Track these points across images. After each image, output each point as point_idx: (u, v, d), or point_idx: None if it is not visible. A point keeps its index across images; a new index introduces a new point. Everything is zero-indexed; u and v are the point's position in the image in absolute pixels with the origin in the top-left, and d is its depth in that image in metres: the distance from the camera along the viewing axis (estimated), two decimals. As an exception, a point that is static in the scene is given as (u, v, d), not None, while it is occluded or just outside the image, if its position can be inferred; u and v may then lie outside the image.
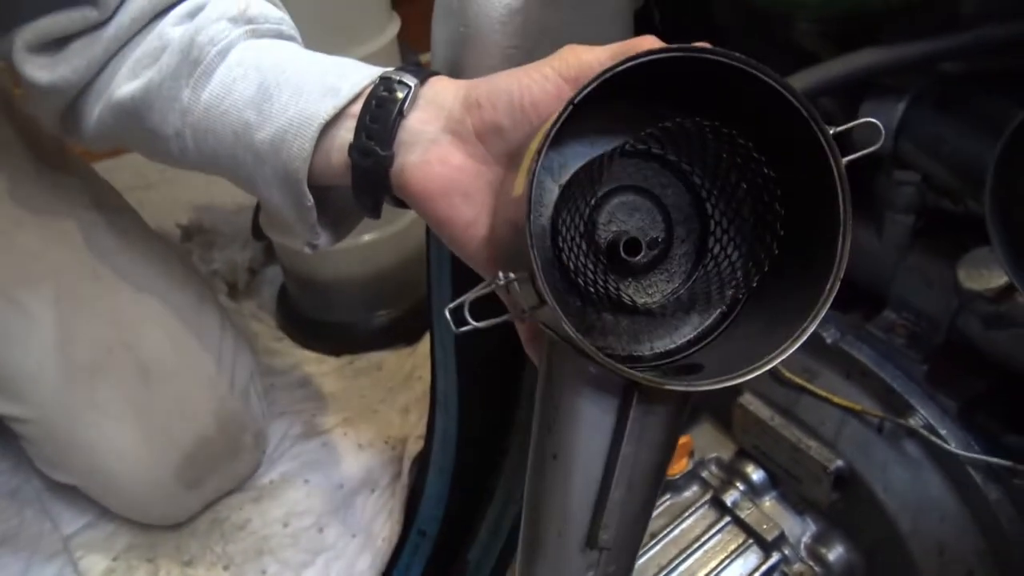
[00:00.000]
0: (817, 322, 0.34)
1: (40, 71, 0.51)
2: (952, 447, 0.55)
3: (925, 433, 0.56)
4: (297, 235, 0.49)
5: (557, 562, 0.40)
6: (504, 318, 0.37)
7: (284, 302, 0.92)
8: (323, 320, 0.88)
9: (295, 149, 0.43)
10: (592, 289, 0.36)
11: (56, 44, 0.50)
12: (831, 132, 0.35)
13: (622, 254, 0.36)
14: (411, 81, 0.42)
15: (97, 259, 0.67)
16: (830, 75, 0.51)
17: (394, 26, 0.77)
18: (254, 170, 0.46)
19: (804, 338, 0.34)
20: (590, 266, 0.37)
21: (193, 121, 0.47)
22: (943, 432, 0.56)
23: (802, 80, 0.51)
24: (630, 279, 0.39)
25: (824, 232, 0.34)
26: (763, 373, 0.34)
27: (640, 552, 0.66)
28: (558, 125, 0.34)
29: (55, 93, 0.52)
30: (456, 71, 0.50)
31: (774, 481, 0.67)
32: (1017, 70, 0.49)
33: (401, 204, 0.44)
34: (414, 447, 0.75)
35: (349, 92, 0.42)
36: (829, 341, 0.61)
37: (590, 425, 0.38)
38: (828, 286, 0.34)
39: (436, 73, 0.44)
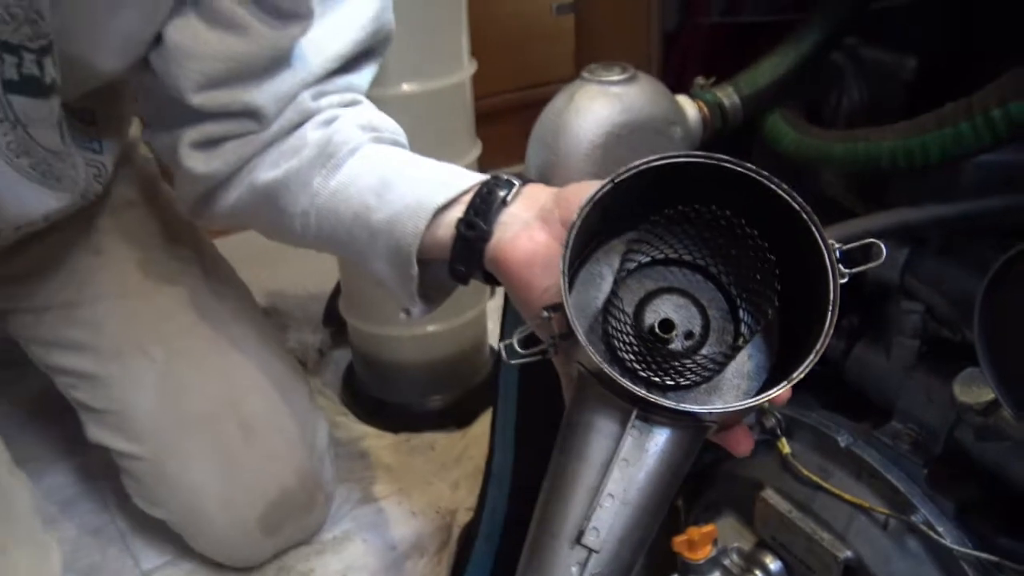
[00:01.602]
0: (802, 374, 0.41)
1: (197, 163, 0.61)
2: (948, 543, 0.62)
3: (925, 529, 0.62)
4: (398, 301, 0.58)
5: (549, 552, 0.44)
6: (542, 347, 0.46)
7: (349, 381, 1.01)
8: (384, 399, 0.97)
9: (409, 227, 0.53)
10: (626, 355, 0.44)
11: (214, 143, 0.61)
12: (835, 247, 0.44)
13: (657, 331, 0.44)
14: (516, 181, 0.52)
15: (213, 326, 0.77)
16: (865, 229, 0.61)
17: (476, 150, 0.89)
18: (367, 245, 0.56)
19: (789, 384, 0.42)
20: (629, 340, 0.44)
21: (320, 203, 0.58)
22: (941, 529, 0.62)
23: (837, 231, 0.61)
24: (674, 362, 0.44)
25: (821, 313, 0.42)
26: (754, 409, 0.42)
27: (664, 626, 0.72)
28: (588, 206, 0.42)
29: (205, 180, 0.62)
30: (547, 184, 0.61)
31: (789, 571, 0.73)
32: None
33: (487, 278, 0.54)
34: (463, 518, 0.82)
35: (462, 186, 0.53)
36: (843, 445, 0.68)
37: (596, 435, 0.44)
38: (815, 349, 0.41)
39: (532, 181, 0.54)
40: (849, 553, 0.67)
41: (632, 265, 0.46)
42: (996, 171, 0.57)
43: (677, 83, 0.70)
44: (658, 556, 0.78)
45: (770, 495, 0.73)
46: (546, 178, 0.61)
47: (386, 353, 0.94)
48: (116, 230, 0.76)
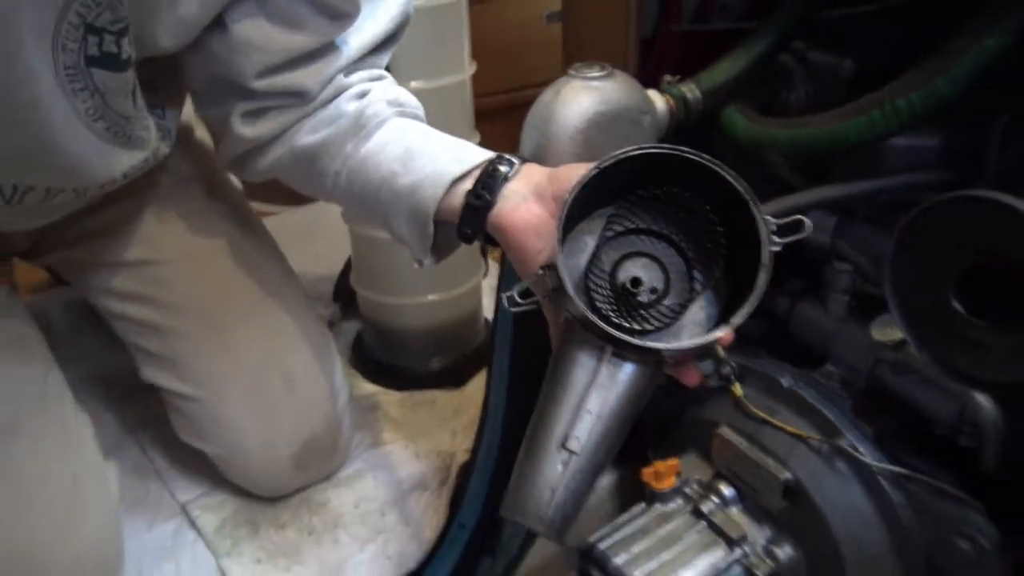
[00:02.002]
0: (739, 321, 0.53)
1: (245, 130, 0.71)
2: (868, 460, 0.73)
3: (850, 451, 0.74)
4: (412, 253, 0.69)
5: (541, 453, 0.54)
6: (535, 298, 0.57)
7: (358, 347, 1.12)
8: (390, 362, 1.08)
9: (429, 194, 0.64)
10: (604, 306, 0.55)
11: (263, 112, 0.70)
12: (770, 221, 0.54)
13: (628, 286, 0.54)
14: (516, 161, 0.64)
15: (262, 288, 0.87)
16: (794, 204, 0.73)
17: (475, 140, 1.00)
18: (391, 205, 0.67)
19: (730, 328, 0.53)
20: (606, 294, 0.55)
21: (352, 165, 0.68)
22: (863, 450, 0.74)
23: (773, 205, 0.73)
24: (636, 311, 0.55)
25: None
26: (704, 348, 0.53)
27: (634, 543, 0.83)
28: (578, 187, 0.53)
29: (250, 142, 0.71)
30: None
31: (741, 496, 0.84)
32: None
33: (488, 239, 0.65)
34: (461, 459, 0.93)
35: (473, 161, 0.64)
36: (786, 386, 0.80)
37: (578, 370, 0.55)
38: (748, 300, 0.53)
39: (529, 161, 0.66)
40: (789, 475, 0.77)
41: (610, 234, 0.56)
42: (902, 153, 0.70)
43: (650, 81, 0.82)
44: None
45: (725, 431, 0.85)
46: (538, 158, 0.72)
47: (393, 320, 1.05)
48: (178, 199, 0.86)
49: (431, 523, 0.90)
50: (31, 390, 0.76)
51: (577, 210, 0.56)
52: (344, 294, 1.19)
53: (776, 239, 0.54)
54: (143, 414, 0.99)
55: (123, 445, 0.94)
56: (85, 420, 0.80)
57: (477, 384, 0.90)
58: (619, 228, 0.56)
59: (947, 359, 0.65)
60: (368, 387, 1.07)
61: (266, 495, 0.90)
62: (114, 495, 0.81)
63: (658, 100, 0.76)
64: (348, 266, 1.17)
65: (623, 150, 0.54)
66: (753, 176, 0.75)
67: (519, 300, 0.59)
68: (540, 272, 0.55)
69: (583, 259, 0.57)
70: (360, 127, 0.68)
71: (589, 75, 0.71)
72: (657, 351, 0.53)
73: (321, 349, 0.91)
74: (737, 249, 0.54)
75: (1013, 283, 0.59)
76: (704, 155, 0.53)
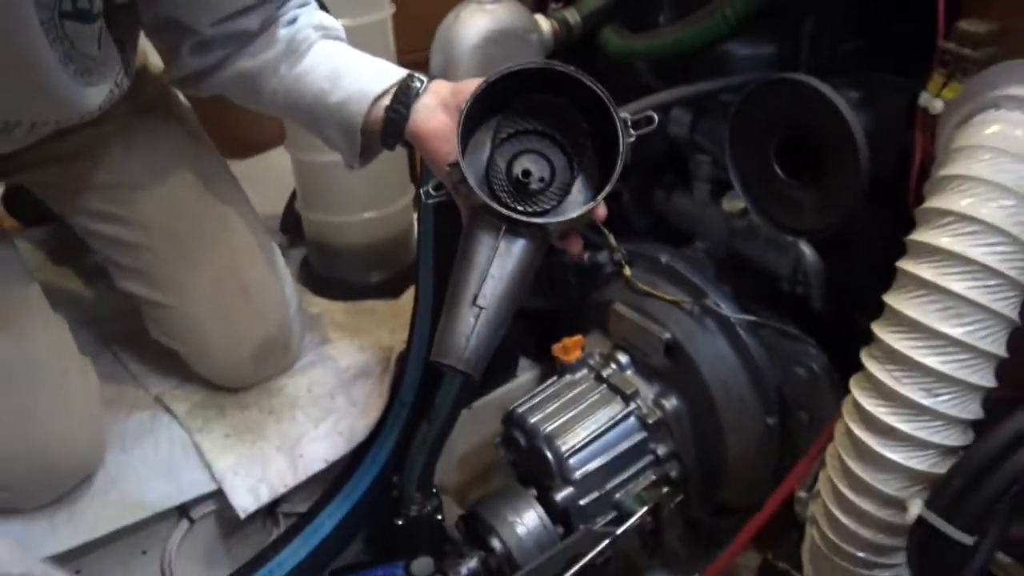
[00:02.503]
0: (602, 196, 0.63)
1: (194, 59, 0.81)
2: (726, 312, 0.88)
3: (712, 307, 0.88)
4: (344, 158, 0.82)
5: (457, 309, 0.65)
6: (445, 190, 0.70)
7: (305, 267, 1.24)
8: (334, 277, 1.21)
9: (355, 109, 0.77)
10: (502, 194, 0.65)
11: (208, 44, 0.80)
12: (625, 116, 0.63)
13: (520, 177, 0.65)
14: (425, 78, 0.77)
15: (222, 207, 0.98)
16: (652, 102, 0.87)
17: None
18: (323, 119, 0.79)
19: (596, 203, 0.64)
20: (503, 184, 0.65)
21: (287, 83, 0.79)
22: (722, 305, 0.89)
23: (634, 105, 0.86)
24: (529, 197, 0.65)
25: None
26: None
27: (547, 405, 0.98)
28: (470, 101, 0.62)
29: (198, 68, 0.81)
30: (445, 78, 0.85)
31: (634, 361, 0.98)
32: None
33: (406, 144, 0.78)
34: (399, 349, 1.07)
35: (391, 80, 0.76)
36: (663, 262, 0.94)
37: (482, 243, 0.65)
38: (608, 183, 0.63)
39: (435, 78, 0.79)
40: (668, 335, 0.92)
41: (504, 135, 0.66)
42: (741, 59, 0.84)
43: (543, 10, 0.96)
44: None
45: (618, 307, 0.98)
46: (445, 72, 0.86)
47: (335, 238, 1.17)
48: (142, 125, 0.96)
49: (376, 404, 1.03)
50: (15, 295, 0.87)
51: (475, 117, 0.66)
52: (290, 226, 1.31)
53: (632, 132, 0.65)
54: (113, 330, 1.11)
55: (98, 355, 1.05)
56: (63, 322, 0.91)
57: (412, 295, 1.03)
58: (511, 130, 0.67)
59: (774, 216, 0.80)
60: (315, 299, 1.19)
61: (230, 387, 1.02)
62: (95, 385, 0.92)
63: (544, 22, 0.89)
64: (292, 201, 1.29)
65: (506, 66, 0.64)
66: (627, 84, 0.91)
67: (432, 193, 0.72)
68: (447, 169, 0.67)
69: (483, 157, 0.66)
70: (292, 51, 0.80)
71: (483, 1, 0.85)
72: (540, 225, 0.65)
73: (272, 262, 1.03)
74: (605, 142, 0.65)
75: (815, 149, 0.75)
76: (572, 68, 0.64)
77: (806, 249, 0.81)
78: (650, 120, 0.67)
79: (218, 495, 0.94)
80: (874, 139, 0.74)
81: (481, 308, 0.66)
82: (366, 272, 1.20)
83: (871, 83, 0.76)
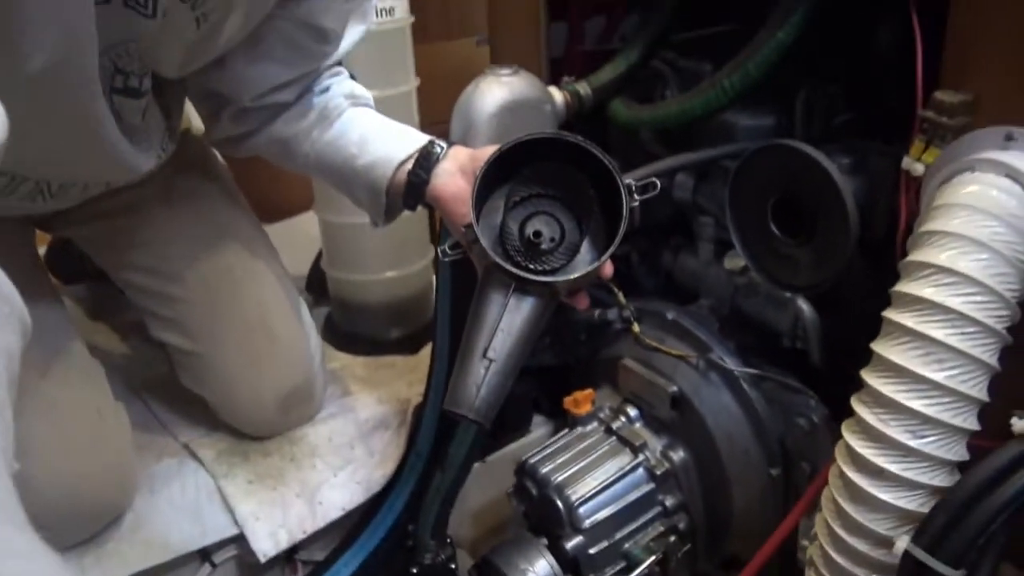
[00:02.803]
0: (608, 256, 0.67)
1: (233, 125, 0.87)
2: (730, 366, 0.92)
3: (717, 361, 0.92)
4: (371, 216, 0.87)
5: (469, 361, 0.68)
6: (462, 249, 0.74)
7: (329, 324, 1.29)
8: (356, 333, 1.25)
9: (380, 173, 0.83)
10: (515, 255, 0.69)
11: (248, 113, 0.87)
12: (629, 182, 0.68)
13: (532, 238, 0.68)
14: (445, 144, 0.82)
15: (253, 261, 1.03)
16: (656, 169, 0.92)
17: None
18: (351, 180, 0.85)
19: (601, 262, 0.68)
20: (516, 245, 0.69)
21: (318, 148, 0.85)
22: (727, 360, 0.92)
23: (640, 171, 0.91)
24: (541, 256, 0.69)
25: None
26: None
27: (558, 456, 1.00)
28: (484, 167, 0.67)
29: (235, 134, 0.88)
30: (464, 144, 0.91)
31: (643, 414, 1.01)
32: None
33: (428, 206, 0.84)
34: (416, 402, 1.10)
35: (414, 146, 0.82)
36: (670, 318, 0.98)
37: (493, 300, 0.68)
38: (613, 244, 0.67)
39: (456, 144, 0.84)
40: (675, 388, 0.95)
41: (517, 198, 0.70)
42: (743, 128, 0.90)
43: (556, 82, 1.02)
44: None
45: (628, 362, 1.02)
46: (464, 139, 0.92)
47: (359, 295, 1.22)
48: (182, 186, 1.01)
49: (392, 455, 1.06)
50: (61, 341, 0.93)
51: (490, 182, 0.71)
52: (315, 285, 1.37)
53: (636, 197, 0.69)
54: (144, 378, 1.16)
55: (130, 403, 1.09)
56: (100, 368, 0.96)
57: (430, 350, 1.07)
58: (524, 194, 0.71)
59: (772, 273, 0.84)
60: (338, 354, 1.23)
61: (255, 435, 1.06)
62: (128, 426, 0.96)
63: (557, 94, 0.96)
64: (317, 262, 1.35)
65: (519, 136, 0.69)
66: (634, 151, 0.96)
67: (449, 252, 0.77)
68: (463, 230, 0.71)
69: (498, 219, 0.70)
70: (324, 118, 0.87)
71: (501, 73, 0.91)
72: (548, 283, 0.69)
73: (299, 315, 1.08)
74: (612, 206, 0.69)
75: (809, 210, 0.79)
76: (580, 138, 0.68)
77: (804, 305, 0.84)
78: (653, 186, 0.71)
79: (240, 540, 0.97)
80: (865, 201, 0.79)
81: (491, 360, 0.69)
82: (387, 328, 1.24)
83: (861, 150, 0.81)
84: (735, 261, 0.89)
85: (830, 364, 0.86)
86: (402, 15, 1.11)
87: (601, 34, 1.19)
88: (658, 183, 0.71)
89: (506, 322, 0.70)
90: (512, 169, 0.71)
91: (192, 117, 1.04)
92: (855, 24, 0.84)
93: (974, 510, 0.55)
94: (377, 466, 1.05)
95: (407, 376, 1.17)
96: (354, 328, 1.25)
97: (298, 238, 1.50)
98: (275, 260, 1.08)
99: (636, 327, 0.99)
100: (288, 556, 1.00)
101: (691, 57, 1.00)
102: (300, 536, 0.98)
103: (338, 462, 1.04)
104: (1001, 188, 0.62)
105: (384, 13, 1.09)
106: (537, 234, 0.69)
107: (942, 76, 0.67)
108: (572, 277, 0.69)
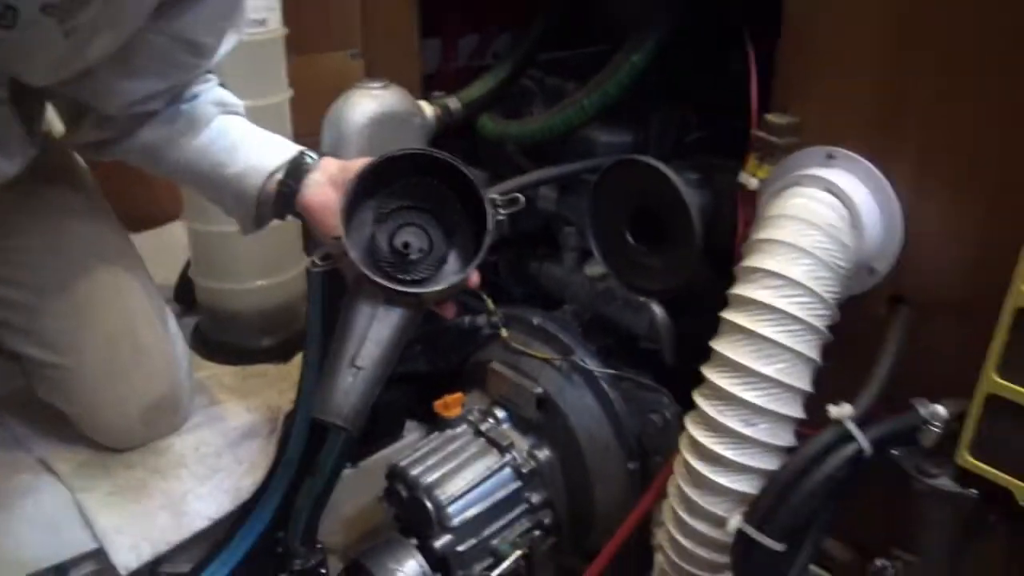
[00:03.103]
0: (472, 267, 0.70)
1: (97, 131, 0.86)
2: (591, 367, 0.96)
3: (579, 363, 0.97)
4: (241, 225, 0.87)
5: (337, 370, 0.70)
6: (332, 261, 0.75)
7: (197, 333, 1.26)
8: (226, 342, 1.23)
9: (250, 182, 0.83)
10: (385, 266, 0.71)
11: (112, 119, 0.85)
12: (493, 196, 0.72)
13: (401, 249, 0.71)
14: (315, 155, 0.83)
15: (118, 270, 0.99)
16: (521, 183, 0.96)
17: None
18: (220, 188, 0.85)
19: (466, 273, 0.71)
20: (386, 256, 0.71)
21: (187, 155, 0.84)
22: (588, 362, 0.97)
23: (505, 185, 0.95)
24: (410, 266, 0.72)
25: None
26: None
27: (428, 458, 1.02)
28: (354, 182, 0.69)
29: (99, 139, 0.86)
30: (335, 155, 0.92)
31: (511, 416, 1.05)
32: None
33: (297, 215, 0.84)
34: (287, 410, 1.10)
35: (284, 156, 0.83)
36: (535, 323, 1.03)
37: (362, 310, 0.71)
38: (477, 255, 0.71)
39: (326, 155, 0.85)
40: (540, 389, 0.98)
41: (387, 210, 0.73)
42: (603, 144, 0.95)
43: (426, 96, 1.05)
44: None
45: (496, 366, 1.05)
46: (334, 150, 0.92)
47: (229, 305, 1.20)
48: (44, 194, 0.97)
49: (262, 463, 1.05)
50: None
51: (360, 194, 0.72)
52: (184, 295, 1.33)
53: (501, 210, 0.73)
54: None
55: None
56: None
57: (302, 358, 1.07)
58: (394, 206, 0.73)
59: (628, 279, 0.90)
60: (207, 364, 1.21)
61: (117, 447, 1.02)
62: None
63: (427, 108, 0.98)
64: (185, 272, 1.32)
65: (390, 151, 0.71)
66: (503, 164, 1.00)
67: (319, 263, 0.78)
68: (333, 240, 0.72)
69: (367, 231, 0.72)
70: (192, 125, 0.86)
71: (371, 86, 0.93)
72: (415, 294, 0.72)
73: (165, 324, 1.05)
74: (478, 218, 0.72)
75: (660, 220, 0.85)
76: (447, 154, 0.71)
77: (657, 309, 0.90)
78: (517, 201, 0.75)
79: (99, 554, 0.93)
80: (711, 212, 0.85)
81: (359, 369, 0.72)
82: (258, 337, 1.23)
83: (708, 166, 0.88)
84: (595, 268, 0.93)
85: (682, 363, 0.92)
86: (275, 26, 1.11)
87: (474, 51, 1.23)
88: (522, 198, 0.75)
89: (374, 331, 0.72)
90: (382, 182, 0.73)
91: (53, 121, 1.00)
92: (707, 51, 0.91)
93: (796, 489, 0.61)
94: (246, 474, 1.04)
95: (278, 384, 1.16)
96: (224, 337, 1.23)
97: (167, 248, 1.46)
98: (141, 269, 1.05)
99: (504, 332, 1.03)
100: (151, 569, 0.98)
101: (558, 76, 1.05)
102: (164, 548, 0.95)
103: (205, 472, 1.02)
104: (822, 201, 0.68)
105: (256, 24, 1.08)
106: (406, 245, 0.72)
107: (772, 100, 0.74)
108: (438, 288, 0.72)
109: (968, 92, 0.63)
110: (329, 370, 0.73)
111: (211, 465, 1.03)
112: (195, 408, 1.10)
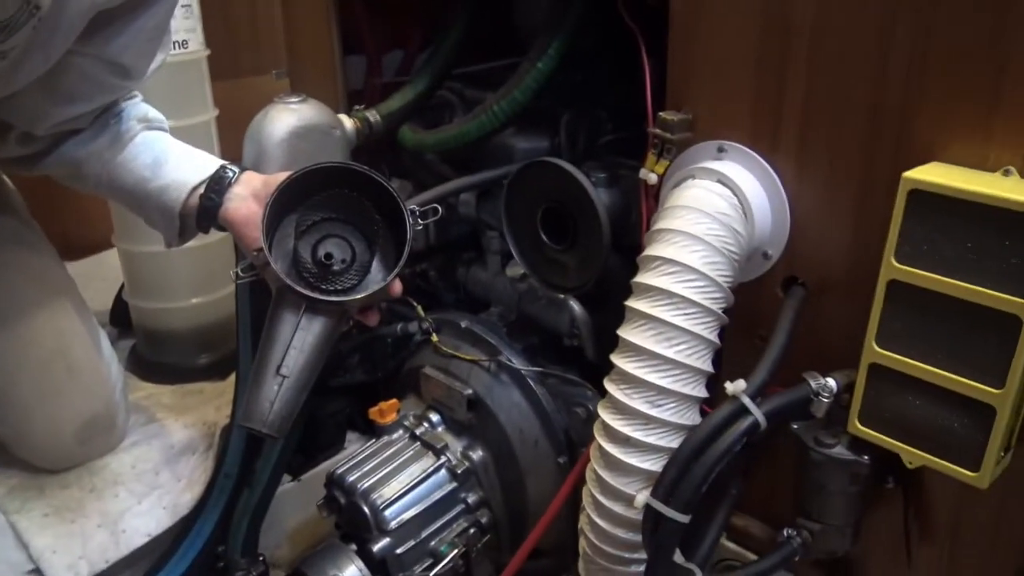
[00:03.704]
0: (394, 276, 0.71)
1: (20, 147, 0.85)
2: (517, 365, 0.99)
3: (506, 362, 0.99)
4: (165, 238, 0.88)
5: (262, 378, 0.71)
6: (255, 272, 0.76)
7: (133, 354, 1.26)
8: (162, 362, 1.23)
9: (173, 197, 0.83)
10: (308, 277, 0.72)
11: (36, 137, 0.84)
12: (412, 207, 0.74)
13: (324, 260, 0.72)
14: (237, 169, 0.84)
15: (51, 291, 0.99)
16: (439, 192, 0.99)
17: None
18: (143, 202, 0.85)
19: (387, 282, 0.72)
20: (309, 267, 0.72)
21: (109, 169, 0.84)
22: (514, 361, 0.99)
23: (424, 195, 0.97)
24: (331, 276, 0.73)
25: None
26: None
27: (365, 464, 1.03)
28: (274, 195, 0.70)
29: (23, 154, 0.85)
30: (257, 169, 0.94)
31: (444, 419, 1.07)
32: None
33: (221, 228, 0.85)
34: (224, 424, 1.10)
35: (207, 171, 0.84)
36: (463, 326, 1.05)
37: (285, 320, 0.72)
38: (398, 265, 0.72)
39: (248, 169, 0.87)
40: (470, 391, 1.01)
41: (308, 222, 0.73)
42: (509, 149, 0.98)
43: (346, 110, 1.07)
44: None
45: (428, 370, 1.06)
46: (256, 164, 0.94)
47: (164, 324, 1.20)
48: None
49: (200, 478, 1.05)
50: None
51: (283, 207, 0.73)
52: (119, 318, 1.33)
53: (419, 220, 0.74)
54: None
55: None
56: None
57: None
58: (316, 218, 0.74)
59: (546, 277, 0.92)
60: (143, 384, 1.21)
61: (52, 468, 1.02)
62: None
63: (346, 120, 1.00)
64: (119, 295, 1.32)
65: (310, 165, 0.72)
66: (426, 173, 1.02)
67: (242, 274, 0.79)
68: (255, 253, 0.73)
69: (291, 243, 0.73)
70: (116, 140, 0.85)
71: (289, 101, 0.94)
72: (337, 302, 0.72)
73: (98, 344, 1.05)
74: (400, 227, 0.73)
75: (571, 219, 0.88)
76: (366, 167, 0.73)
77: (576, 306, 0.93)
78: (435, 211, 0.77)
79: (35, 575, 0.93)
80: (620, 209, 0.88)
81: (284, 377, 0.73)
82: (194, 356, 1.23)
83: (617, 165, 0.91)
84: (516, 269, 0.96)
85: (602, 357, 0.94)
86: (196, 47, 1.12)
87: (399, 67, 1.25)
88: (439, 208, 0.77)
89: (299, 340, 0.73)
90: (304, 195, 0.75)
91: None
92: (618, 57, 0.95)
93: (697, 463, 0.64)
94: (184, 490, 1.04)
95: (215, 401, 1.17)
96: (160, 357, 1.23)
97: (104, 273, 1.46)
98: (73, 291, 1.05)
99: (435, 337, 1.04)
100: (91, 589, 0.97)
101: (476, 87, 1.08)
102: (102, 566, 0.95)
103: (142, 489, 1.02)
104: (714, 192, 0.72)
105: (178, 45, 1.09)
106: (328, 256, 0.73)
107: (667, 99, 0.77)
108: (359, 296, 0.73)
109: (833, 89, 0.67)
110: (255, 379, 0.74)
111: (149, 482, 1.03)
112: (132, 427, 1.09)
